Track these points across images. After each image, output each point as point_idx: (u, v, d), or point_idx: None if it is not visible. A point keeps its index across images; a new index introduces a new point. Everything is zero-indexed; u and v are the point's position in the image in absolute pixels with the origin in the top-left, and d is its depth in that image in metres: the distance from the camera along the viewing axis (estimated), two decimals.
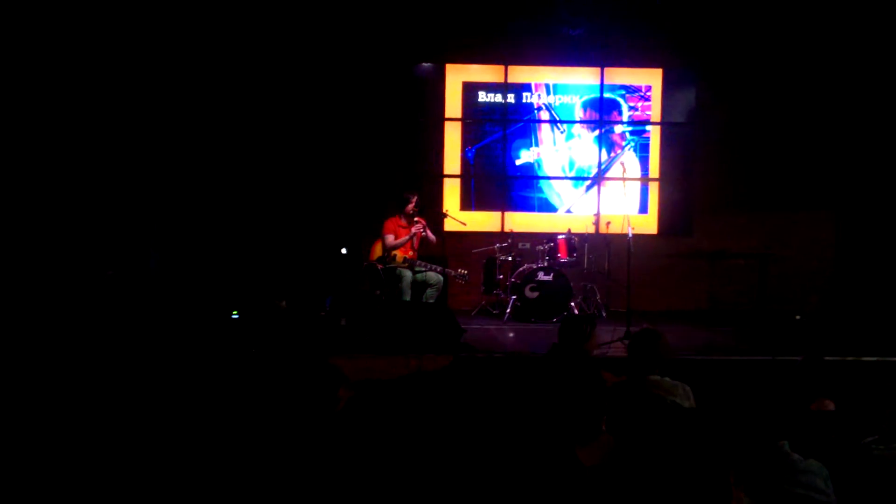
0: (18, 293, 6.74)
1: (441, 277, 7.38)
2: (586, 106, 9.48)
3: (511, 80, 9.41)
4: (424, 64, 9.33)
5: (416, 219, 7.42)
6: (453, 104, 9.41)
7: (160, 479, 3.77)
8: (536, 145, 9.48)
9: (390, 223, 7.41)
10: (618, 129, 9.54)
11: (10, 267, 7.10)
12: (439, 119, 9.38)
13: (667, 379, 3.62)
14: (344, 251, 8.12)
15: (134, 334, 6.14)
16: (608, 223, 8.63)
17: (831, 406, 3.73)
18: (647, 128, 9.52)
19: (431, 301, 7.24)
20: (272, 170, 8.77)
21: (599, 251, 8.60)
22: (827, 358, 5.54)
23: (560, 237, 8.23)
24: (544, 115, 9.47)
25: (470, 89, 9.42)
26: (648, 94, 9.49)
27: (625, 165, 9.20)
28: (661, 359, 3.66)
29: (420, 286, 7.35)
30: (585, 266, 8.52)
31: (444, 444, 4.18)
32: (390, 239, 7.34)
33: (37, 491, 3.71)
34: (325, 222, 8.67)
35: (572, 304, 7.98)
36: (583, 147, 9.50)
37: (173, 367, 5.31)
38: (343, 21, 8.71)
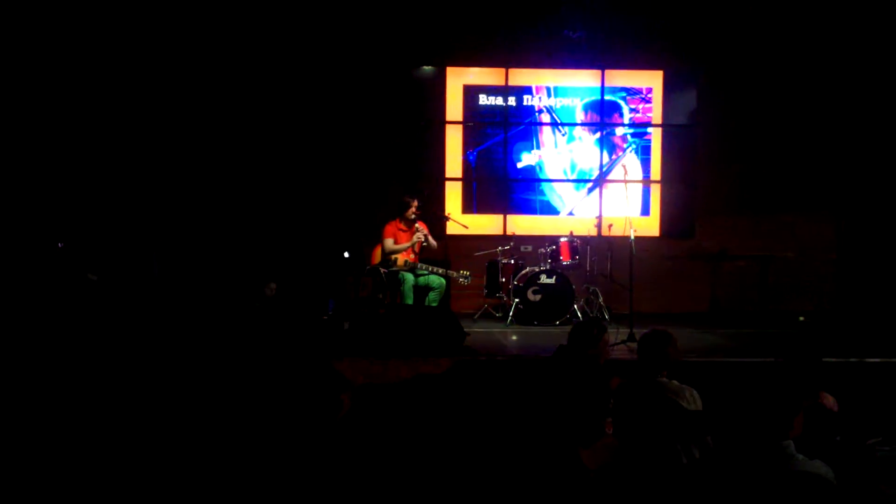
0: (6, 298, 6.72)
1: (443, 280, 7.37)
2: (587, 108, 9.48)
3: (512, 82, 9.41)
4: (425, 67, 9.33)
5: (418, 224, 7.42)
6: (454, 107, 9.41)
7: (165, 482, 3.77)
8: (538, 148, 9.48)
9: (390, 227, 7.41)
10: (619, 131, 9.55)
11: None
12: (440, 122, 9.39)
13: (674, 382, 3.61)
14: (346, 255, 8.12)
15: (134, 340, 6.14)
16: (610, 225, 8.62)
17: (830, 399, 3.72)
18: (649, 130, 9.53)
19: (434, 304, 7.23)
20: (274, 174, 8.78)
21: (601, 253, 8.59)
22: (830, 359, 5.54)
23: (562, 240, 8.22)
24: (545, 118, 9.47)
25: (471, 92, 9.42)
26: (649, 96, 9.49)
27: (626, 168, 9.15)
28: (669, 360, 3.64)
29: (422, 290, 7.34)
30: (588, 268, 8.51)
31: (447, 447, 4.18)
32: (389, 243, 7.33)
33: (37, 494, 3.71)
34: (327, 226, 8.67)
35: (575, 306, 7.98)
36: (584, 149, 9.50)
37: (177, 371, 5.31)
38: (343, 25, 8.73)
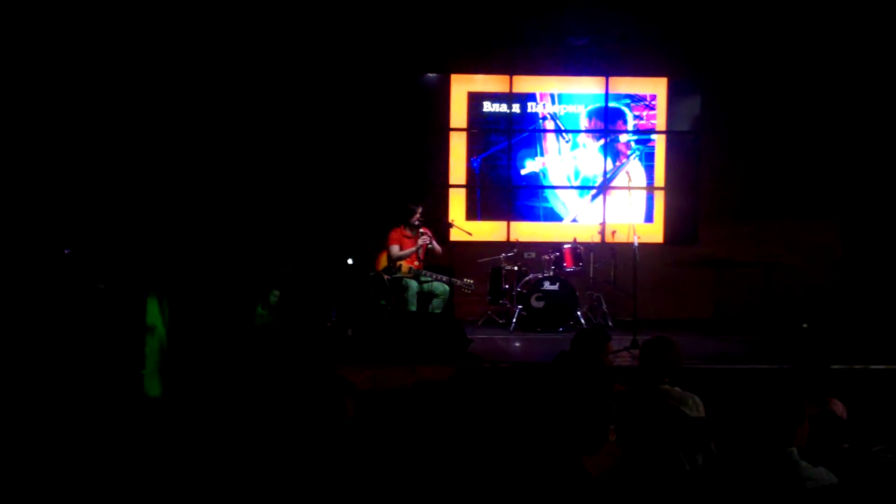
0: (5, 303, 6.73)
1: (447, 287, 7.39)
2: (591, 115, 9.50)
3: (516, 89, 9.43)
4: (430, 74, 9.36)
5: (422, 230, 7.44)
6: (458, 114, 9.43)
7: (174, 486, 3.78)
8: (542, 155, 9.49)
9: (395, 234, 7.43)
10: (623, 138, 9.55)
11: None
12: (445, 129, 9.40)
13: (677, 389, 3.61)
14: (350, 262, 8.13)
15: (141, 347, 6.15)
16: (614, 232, 8.63)
17: (840, 407, 3.71)
18: (653, 137, 9.53)
19: (437, 311, 7.24)
20: (278, 180, 8.79)
21: (605, 260, 8.59)
22: (835, 366, 5.53)
23: (566, 246, 8.23)
24: (549, 125, 9.49)
25: (475, 99, 9.44)
26: (653, 103, 9.50)
27: (630, 174, 9.18)
28: (671, 367, 3.64)
29: (426, 296, 7.35)
30: (591, 275, 8.51)
31: (450, 454, 4.18)
32: (395, 249, 7.35)
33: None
34: (331, 233, 8.68)
35: (578, 313, 7.97)
36: (588, 156, 9.51)
37: (184, 378, 5.33)
38: (349, 32, 8.75)
